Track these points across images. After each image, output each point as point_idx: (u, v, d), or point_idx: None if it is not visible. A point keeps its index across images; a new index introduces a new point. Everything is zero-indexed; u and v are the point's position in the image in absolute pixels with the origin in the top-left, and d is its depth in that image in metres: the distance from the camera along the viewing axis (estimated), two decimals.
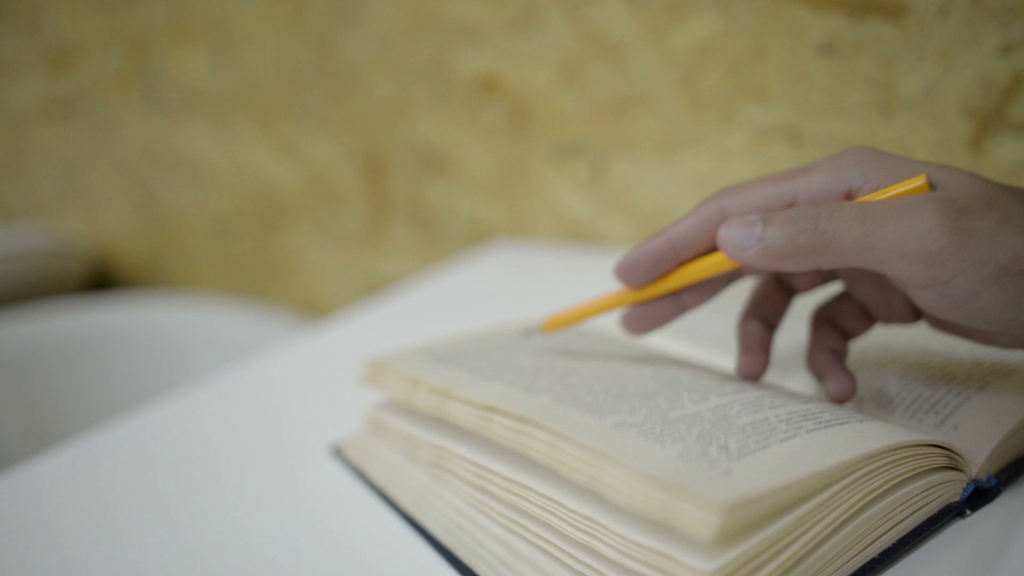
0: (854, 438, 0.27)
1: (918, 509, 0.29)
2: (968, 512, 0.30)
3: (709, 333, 0.45)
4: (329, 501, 0.37)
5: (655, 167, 0.66)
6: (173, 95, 0.99)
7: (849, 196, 0.29)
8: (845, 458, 0.25)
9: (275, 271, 0.99)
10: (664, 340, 0.46)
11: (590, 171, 0.70)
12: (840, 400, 0.33)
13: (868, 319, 0.34)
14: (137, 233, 1.12)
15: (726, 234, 0.29)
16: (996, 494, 0.31)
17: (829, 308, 0.35)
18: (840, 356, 0.34)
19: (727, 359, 0.41)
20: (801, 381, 0.38)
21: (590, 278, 0.65)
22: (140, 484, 0.40)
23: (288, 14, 0.84)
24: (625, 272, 0.33)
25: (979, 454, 0.31)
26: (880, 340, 0.40)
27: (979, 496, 0.30)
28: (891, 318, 0.34)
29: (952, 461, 0.29)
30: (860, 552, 0.27)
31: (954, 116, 0.52)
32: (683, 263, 0.33)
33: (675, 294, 0.34)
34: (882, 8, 0.52)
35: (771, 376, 0.39)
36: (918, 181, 0.27)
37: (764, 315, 0.35)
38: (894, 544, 0.28)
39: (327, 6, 0.80)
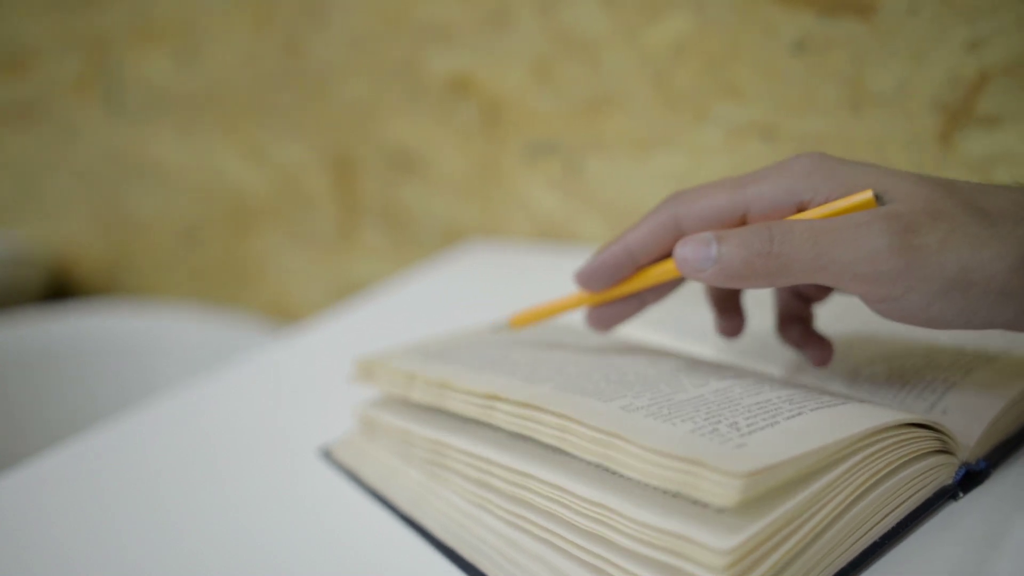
0: (858, 416, 0.28)
1: (915, 493, 0.29)
2: (961, 494, 0.30)
3: (688, 325, 0.46)
4: (322, 504, 0.37)
5: (629, 165, 0.67)
6: (135, 98, 0.98)
7: (800, 208, 0.30)
8: (852, 432, 0.26)
9: (244, 276, 0.98)
10: (646, 332, 0.46)
11: (564, 170, 0.70)
12: (821, 365, 0.35)
13: (826, 288, 0.35)
14: (98, 240, 1.10)
15: (682, 253, 0.29)
16: (986, 476, 0.31)
17: None
18: (808, 323, 0.36)
19: (706, 348, 0.42)
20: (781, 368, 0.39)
21: (565, 277, 0.65)
22: (120, 495, 0.39)
23: (256, 15, 0.83)
24: (586, 280, 0.35)
25: (969, 438, 0.31)
26: (865, 332, 0.41)
27: (970, 479, 0.31)
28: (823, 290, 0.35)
29: (944, 445, 0.30)
30: (863, 536, 0.27)
31: (924, 111, 0.53)
32: (640, 268, 0.34)
33: (635, 293, 0.35)
34: (853, 6, 0.53)
35: (752, 365, 0.39)
36: (864, 196, 0.28)
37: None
38: (894, 527, 0.28)
39: (296, 7, 0.80)
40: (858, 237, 0.26)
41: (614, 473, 0.28)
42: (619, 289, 0.35)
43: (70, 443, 0.44)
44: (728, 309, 0.36)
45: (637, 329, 0.46)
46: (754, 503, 0.24)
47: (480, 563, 0.30)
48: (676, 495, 0.26)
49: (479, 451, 0.31)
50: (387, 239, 0.84)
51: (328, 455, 0.40)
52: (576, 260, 0.68)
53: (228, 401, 0.49)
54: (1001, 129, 0.51)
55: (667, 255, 0.33)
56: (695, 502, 0.25)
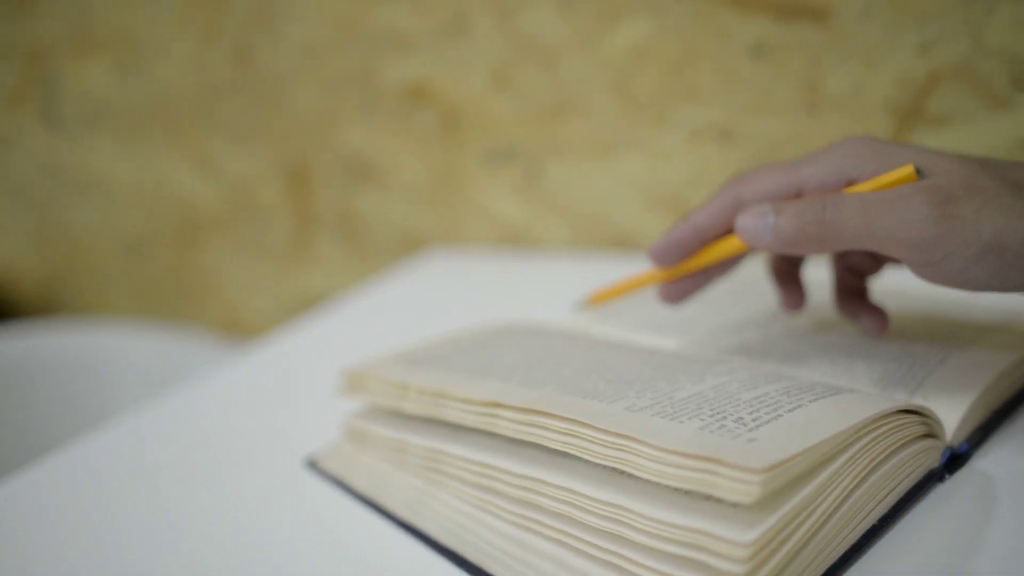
0: (855, 405, 0.28)
1: (906, 476, 0.30)
2: (947, 476, 0.32)
3: (671, 324, 0.46)
4: (314, 513, 0.36)
5: (590, 169, 0.67)
6: (74, 110, 0.95)
7: (850, 184, 0.33)
8: (853, 422, 0.27)
9: (194, 291, 0.96)
10: (627, 332, 0.46)
11: (524, 176, 0.71)
12: (878, 332, 0.38)
13: (878, 261, 0.38)
14: (36, 258, 1.06)
15: (743, 223, 0.33)
16: (968, 458, 0.33)
17: (844, 252, 0.39)
18: (863, 295, 0.39)
19: (692, 348, 0.43)
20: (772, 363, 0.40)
21: (528, 281, 0.66)
22: (97, 514, 0.38)
23: (203, 24, 0.81)
24: (659, 255, 0.38)
25: (950, 422, 0.33)
26: (843, 323, 0.42)
27: (954, 461, 0.32)
28: (896, 262, 0.37)
29: (930, 429, 0.31)
30: (863, 520, 0.28)
31: (877, 113, 0.55)
32: (706, 244, 0.37)
33: (702, 270, 0.39)
34: (808, 11, 0.55)
35: (747, 362, 0.40)
36: (906, 170, 0.31)
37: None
38: (890, 510, 0.29)
39: (245, 16, 0.78)
40: (902, 207, 0.29)
41: (621, 474, 0.28)
42: (688, 264, 0.38)
43: (33, 466, 0.42)
44: (789, 284, 0.40)
45: (622, 331, 0.47)
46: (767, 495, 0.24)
47: (487, 564, 0.30)
48: (688, 492, 0.26)
49: (481, 458, 0.31)
50: (344, 250, 0.83)
51: (314, 465, 0.40)
52: (538, 265, 0.69)
53: (198, 418, 0.48)
54: (950, 129, 0.53)
55: (730, 232, 0.36)
56: (707, 498, 0.26)
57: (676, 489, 0.26)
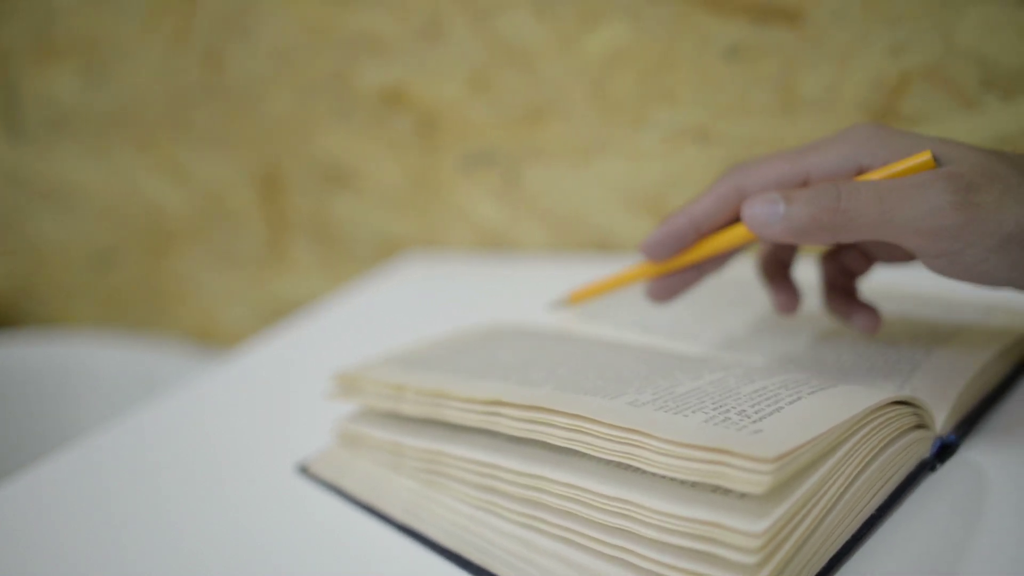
0: (852, 397, 0.29)
1: (901, 467, 0.31)
2: (938, 466, 0.32)
3: (660, 324, 0.47)
4: (309, 518, 0.36)
5: (569, 172, 0.68)
6: (38, 118, 0.93)
7: (860, 172, 0.31)
8: (854, 412, 0.27)
9: (164, 300, 0.94)
10: (613, 331, 0.47)
11: (502, 179, 0.71)
12: (870, 331, 0.37)
13: (869, 260, 0.38)
14: None
15: (751, 212, 0.31)
16: (956, 448, 0.33)
17: (834, 250, 0.39)
18: (853, 294, 0.38)
19: (680, 346, 0.43)
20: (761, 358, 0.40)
21: (507, 285, 0.66)
22: (80, 524, 0.37)
23: (171, 29, 0.80)
24: (651, 249, 0.36)
25: (939, 413, 0.33)
26: (833, 324, 0.43)
27: (944, 451, 0.33)
28: (889, 260, 0.37)
29: (921, 420, 0.32)
30: (862, 510, 0.29)
31: (851, 113, 0.56)
32: (703, 236, 0.35)
33: (694, 264, 0.37)
34: (782, 14, 0.56)
35: (734, 356, 0.40)
36: (923, 157, 0.30)
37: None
38: (886, 500, 0.30)
39: (216, 21, 0.78)
40: (922, 195, 0.28)
41: (625, 468, 0.28)
42: (683, 259, 0.36)
43: (17, 476, 0.41)
44: (781, 284, 0.39)
45: (608, 330, 0.47)
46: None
47: (491, 565, 0.30)
48: (694, 485, 0.26)
49: (482, 457, 0.31)
50: (320, 255, 0.83)
51: (306, 471, 0.39)
52: (517, 268, 0.69)
53: (182, 428, 0.47)
54: (921, 128, 0.54)
55: (729, 224, 0.35)
56: (714, 490, 0.26)
57: (682, 482, 0.26)
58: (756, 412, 0.27)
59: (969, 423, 0.35)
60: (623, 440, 0.27)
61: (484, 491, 0.31)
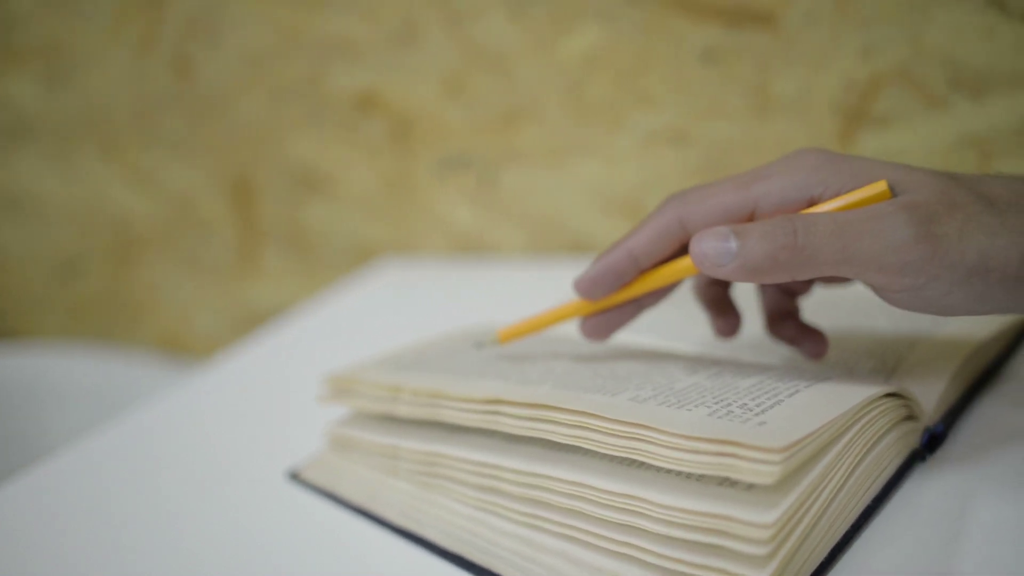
0: (849, 389, 0.29)
1: (894, 457, 0.31)
2: (928, 456, 0.33)
3: (643, 324, 0.47)
4: (302, 526, 0.35)
5: (545, 175, 0.68)
6: None
7: (811, 202, 0.30)
8: (853, 404, 0.28)
9: (130, 310, 0.93)
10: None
11: (478, 183, 0.71)
12: (818, 357, 0.36)
13: (809, 281, 0.36)
14: None
15: (700, 249, 0.29)
16: (944, 438, 0.34)
17: None
18: (796, 317, 0.37)
19: (666, 344, 0.44)
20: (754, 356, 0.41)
21: (484, 289, 0.66)
22: (64, 536, 0.36)
23: (138, 34, 0.79)
24: (588, 288, 0.33)
25: (927, 405, 0.34)
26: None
27: (933, 441, 0.34)
28: (830, 282, 0.36)
29: (910, 412, 0.33)
30: (859, 501, 0.29)
31: (824, 114, 0.57)
32: (643, 272, 0.33)
33: (632, 299, 0.35)
34: (755, 17, 0.56)
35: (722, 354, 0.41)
36: (879, 188, 0.28)
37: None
38: (882, 490, 0.31)
39: (184, 25, 0.77)
40: (882, 228, 0.26)
41: (628, 464, 0.28)
42: (621, 295, 0.34)
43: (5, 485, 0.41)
44: (723, 308, 0.37)
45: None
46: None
47: (494, 565, 0.30)
48: (699, 478, 0.26)
49: (482, 458, 0.31)
50: (292, 262, 0.82)
51: (297, 477, 0.39)
52: (493, 272, 0.69)
53: (164, 439, 0.46)
54: (893, 129, 0.55)
55: (671, 258, 0.33)
56: (720, 483, 0.26)
57: (687, 476, 0.27)
58: (757, 405, 0.28)
59: (954, 415, 0.36)
60: (629, 435, 0.27)
61: (484, 492, 0.31)
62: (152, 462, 0.43)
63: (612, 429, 0.27)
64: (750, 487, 0.25)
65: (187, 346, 0.91)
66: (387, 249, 0.77)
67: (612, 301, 0.34)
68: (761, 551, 0.24)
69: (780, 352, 0.40)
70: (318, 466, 0.38)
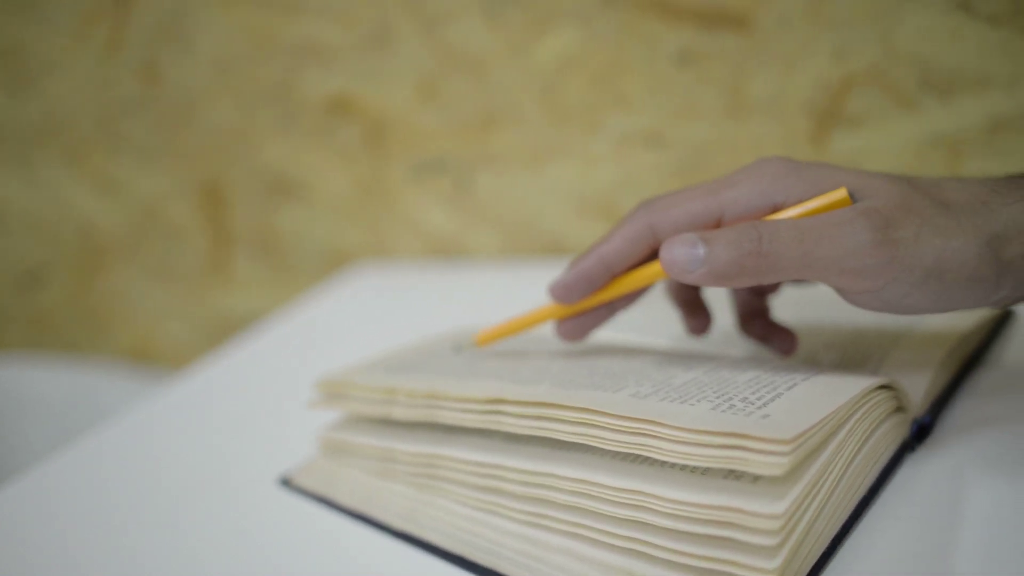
0: (844, 382, 0.30)
1: (886, 448, 0.32)
2: (917, 446, 0.34)
3: (625, 322, 0.47)
4: (297, 533, 0.35)
5: (521, 178, 0.68)
6: None
7: (775, 209, 0.31)
8: (851, 395, 0.28)
9: (98, 320, 0.91)
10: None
11: (454, 186, 0.71)
12: (788, 354, 0.37)
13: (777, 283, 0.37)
14: None
15: (670, 255, 0.30)
16: (931, 428, 0.35)
17: None
18: (766, 316, 0.38)
19: (653, 341, 0.44)
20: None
21: (461, 292, 0.66)
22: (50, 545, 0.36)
23: (104, 39, 0.78)
24: (563, 293, 0.35)
25: (915, 397, 0.35)
26: (796, 318, 0.44)
27: (921, 432, 0.34)
28: (798, 281, 0.37)
29: (900, 403, 0.33)
30: (857, 491, 0.30)
31: (797, 115, 0.58)
32: (616, 277, 0.34)
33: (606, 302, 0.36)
34: (730, 19, 0.57)
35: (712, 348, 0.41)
36: (839, 194, 0.29)
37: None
38: (876, 481, 0.31)
39: (151, 30, 0.75)
40: (842, 234, 0.28)
41: (632, 460, 0.28)
42: (594, 299, 0.35)
43: None
44: (694, 308, 0.38)
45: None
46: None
47: (498, 565, 0.30)
48: (704, 472, 0.27)
49: (483, 458, 0.31)
50: (265, 269, 0.81)
51: (289, 483, 0.38)
52: (470, 275, 0.69)
53: (146, 451, 0.45)
54: (865, 129, 0.56)
55: (642, 262, 0.34)
56: (725, 476, 0.26)
57: (692, 470, 0.27)
58: (759, 399, 0.28)
59: (939, 407, 0.36)
60: (635, 431, 0.27)
61: (486, 492, 0.31)
62: (134, 474, 0.42)
63: (618, 425, 0.27)
64: (756, 479, 0.26)
65: (156, 356, 0.89)
66: (362, 254, 0.77)
67: (586, 305, 0.35)
68: (771, 541, 0.24)
69: (748, 345, 0.41)
70: (310, 471, 0.38)
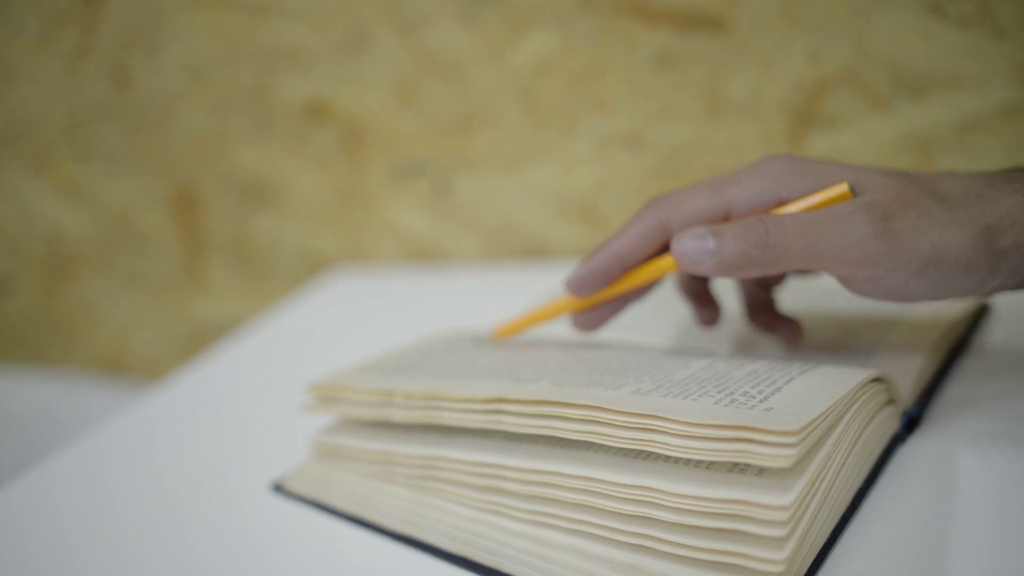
0: (840, 375, 0.30)
1: (880, 440, 0.33)
2: (907, 438, 0.34)
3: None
4: (292, 539, 0.34)
5: (500, 180, 0.68)
6: None
7: (779, 204, 0.32)
8: (849, 387, 0.29)
9: (67, 330, 0.89)
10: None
11: (433, 189, 0.71)
12: (794, 343, 0.38)
13: (782, 274, 0.39)
14: None
15: (681, 248, 0.32)
16: (920, 420, 0.36)
17: None
18: (772, 308, 0.39)
19: (641, 339, 0.44)
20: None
21: (440, 295, 0.66)
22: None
23: (73, 44, 0.76)
24: (579, 286, 0.36)
25: (903, 389, 0.35)
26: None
27: (911, 423, 0.35)
28: (802, 273, 0.39)
29: (891, 396, 0.34)
30: (854, 482, 0.30)
31: (774, 116, 0.59)
32: (628, 270, 0.36)
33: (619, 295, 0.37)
34: (706, 22, 0.58)
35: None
36: (840, 188, 0.31)
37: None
38: (871, 472, 0.32)
39: (122, 35, 0.74)
40: (844, 226, 0.29)
41: (635, 457, 0.29)
42: (609, 291, 0.36)
43: None
44: (704, 300, 0.39)
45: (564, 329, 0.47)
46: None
47: (503, 565, 0.30)
48: (708, 466, 0.27)
49: (485, 459, 0.31)
50: (241, 276, 0.80)
51: (281, 489, 0.38)
52: (449, 279, 0.69)
53: (125, 463, 0.45)
54: (839, 129, 0.57)
55: (653, 257, 0.35)
56: (729, 469, 0.27)
57: (696, 464, 0.27)
58: (759, 393, 0.28)
59: (926, 398, 0.37)
60: (641, 427, 0.27)
61: (488, 492, 0.31)
62: (120, 486, 0.41)
63: (623, 421, 0.27)
64: (760, 472, 0.26)
65: (128, 367, 0.87)
66: (340, 259, 0.76)
67: (601, 297, 0.37)
68: (780, 533, 0.24)
69: (752, 344, 0.41)
70: (303, 476, 0.38)
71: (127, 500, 0.39)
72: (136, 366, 0.87)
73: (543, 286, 0.57)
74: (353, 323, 0.62)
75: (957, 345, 0.41)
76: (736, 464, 0.27)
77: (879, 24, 0.54)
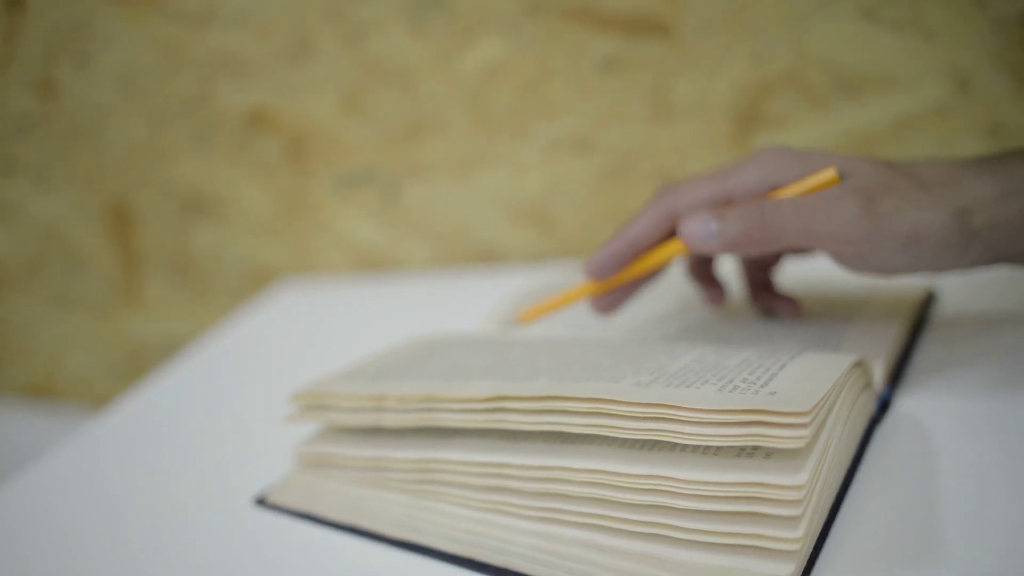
0: (828, 361, 0.31)
1: (861, 422, 0.34)
2: (882, 418, 0.36)
3: (590, 323, 0.48)
4: (284, 551, 0.34)
5: (451, 187, 0.68)
6: None
7: (775, 189, 0.36)
8: (840, 371, 0.30)
9: None
10: (551, 331, 0.48)
11: (381, 198, 0.70)
12: (794, 316, 0.42)
13: (779, 254, 0.43)
14: None
15: (688, 230, 0.35)
16: (890, 402, 0.37)
17: None
18: (771, 288, 0.44)
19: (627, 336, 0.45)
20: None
21: (392, 304, 0.65)
22: None
23: None
24: (597, 270, 0.39)
25: (876, 371, 0.37)
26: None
27: (884, 405, 0.37)
28: (796, 253, 0.42)
29: (867, 379, 0.35)
30: (842, 461, 0.31)
31: (719, 118, 0.60)
32: (640, 255, 0.39)
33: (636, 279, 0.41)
34: (652, 27, 0.59)
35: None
36: (829, 173, 0.34)
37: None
38: (856, 452, 0.33)
39: (48, 45, 0.71)
40: (834, 208, 0.32)
41: (641, 447, 0.29)
42: (624, 275, 0.40)
43: None
44: (709, 281, 0.43)
45: (540, 330, 0.48)
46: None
47: (513, 563, 0.30)
48: (716, 452, 0.28)
49: (487, 458, 0.31)
50: (181, 292, 0.77)
51: (265, 502, 0.37)
52: (400, 287, 0.68)
53: (80, 491, 0.43)
54: (784, 129, 0.60)
55: (663, 241, 0.39)
56: (738, 453, 0.27)
57: (704, 451, 0.28)
58: (757, 379, 0.29)
59: (895, 379, 0.39)
60: (651, 416, 0.27)
61: (491, 492, 0.31)
62: (88, 509, 0.39)
63: (631, 412, 0.28)
64: (768, 455, 0.27)
65: (60, 392, 0.84)
66: (286, 271, 0.75)
67: (616, 281, 0.40)
68: (795, 512, 0.25)
69: (729, 337, 0.42)
70: (288, 488, 0.37)
71: (96, 525, 0.38)
72: (69, 390, 0.83)
73: (498, 291, 0.57)
74: (304, 337, 0.61)
75: (914, 327, 0.43)
76: (743, 449, 0.27)
77: (818, 28, 0.56)
